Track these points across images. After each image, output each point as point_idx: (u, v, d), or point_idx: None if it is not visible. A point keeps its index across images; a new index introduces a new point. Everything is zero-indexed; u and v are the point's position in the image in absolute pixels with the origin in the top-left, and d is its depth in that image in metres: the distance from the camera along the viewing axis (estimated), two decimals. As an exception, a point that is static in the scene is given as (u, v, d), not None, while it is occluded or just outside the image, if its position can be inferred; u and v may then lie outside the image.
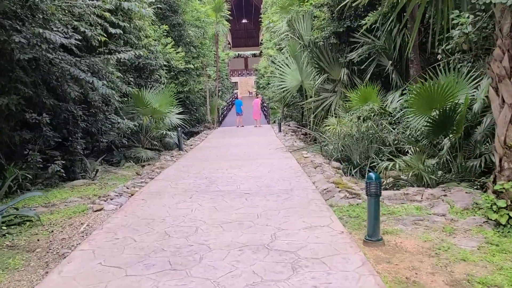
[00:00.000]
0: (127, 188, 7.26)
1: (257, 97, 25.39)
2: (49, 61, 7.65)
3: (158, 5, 17.21)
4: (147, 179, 8.17)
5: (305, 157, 10.35)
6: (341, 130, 12.39)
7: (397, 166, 8.63)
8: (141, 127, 13.50)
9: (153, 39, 15.26)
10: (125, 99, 12.72)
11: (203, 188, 7.27)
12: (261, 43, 55.27)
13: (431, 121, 7.72)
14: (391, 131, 11.12)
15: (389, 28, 13.00)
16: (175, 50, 18.05)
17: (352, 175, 10.48)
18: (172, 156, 11.80)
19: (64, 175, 8.41)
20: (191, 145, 14.67)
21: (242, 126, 24.97)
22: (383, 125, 11.32)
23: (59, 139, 8.34)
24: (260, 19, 40.89)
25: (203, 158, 11.43)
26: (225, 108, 34.58)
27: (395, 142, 10.82)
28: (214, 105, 25.73)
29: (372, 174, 4.47)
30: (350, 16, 14.90)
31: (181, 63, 17.92)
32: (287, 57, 18.82)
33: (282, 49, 21.13)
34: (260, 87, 43.47)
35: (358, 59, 13.91)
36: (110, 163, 11.89)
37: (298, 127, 23.73)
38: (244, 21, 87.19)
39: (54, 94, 8.61)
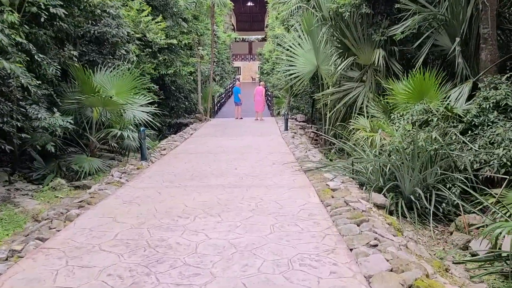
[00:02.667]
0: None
1: (260, 85, 21.20)
2: None
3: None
4: (29, 247, 4.09)
5: (332, 189, 6.26)
6: (381, 140, 8.27)
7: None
8: (90, 124, 9.40)
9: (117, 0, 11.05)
10: (46, 82, 8.53)
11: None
12: (266, 26, 50.87)
13: None
14: (466, 145, 7.03)
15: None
16: (153, 19, 13.82)
17: (404, 216, 6.47)
18: (124, 173, 7.70)
19: None
20: (164, 149, 10.56)
21: (241, 118, 20.90)
22: (454, 137, 7.20)
23: None
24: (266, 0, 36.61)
25: (168, 179, 7.32)
26: (223, 96, 30.35)
27: (474, 166, 6.74)
28: (207, 92, 21.53)
29: None
30: (390, -24, 10.65)
31: (160, 36, 13.70)
32: (299, 35, 14.58)
33: (293, 25, 16.88)
34: (264, 73, 39.17)
35: (401, 36, 9.70)
36: (30, 179, 7.83)
37: (308, 124, 19.64)
38: (249, 4, 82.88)
39: None
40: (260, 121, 19.74)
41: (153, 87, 14.82)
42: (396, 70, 10.76)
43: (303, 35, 14.09)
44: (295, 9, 17.41)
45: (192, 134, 14.46)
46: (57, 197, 6.82)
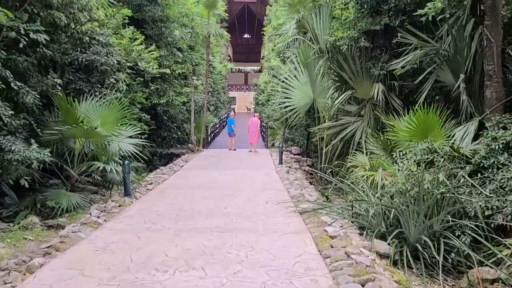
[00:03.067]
0: None
1: (255, 116, 20.81)
2: None
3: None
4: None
5: (331, 237, 5.66)
6: (382, 179, 7.74)
7: None
8: (72, 156, 8.80)
9: (107, 27, 10.68)
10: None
11: None
12: (262, 57, 51.18)
13: None
14: (475, 189, 6.51)
15: (458, 25, 8.46)
16: (146, 47, 13.47)
17: (410, 267, 5.85)
18: (103, 212, 7.06)
19: None
20: (151, 183, 9.93)
21: (234, 149, 20.40)
22: (462, 180, 6.68)
23: None
24: (262, 32, 36.86)
25: (151, 220, 6.68)
26: (217, 126, 29.94)
27: (485, 213, 6.20)
28: (200, 122, 21.08)
29: None
30: (389, 10, 10.43)
31: (152, 65, 13.30)
32: (295, 67, 14.28)
33: (289, 57, 16.63)
34: (259, 103, 38.99)
35: (401, 71, 9.36)
36: (1, 217, 7.16)
37: (303, 157, 19.16)
38: (246, 36, 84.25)
39: None
40: (254, 153, 19.23)
41: (144, 116, 14.37)
42: (396, 105, 10.38)
43: (300, 67, 13.79)
44: (292, 41, 17.24)
45: (182, 166, 13.86)
46: (26, 238, 6.16)
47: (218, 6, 19.07)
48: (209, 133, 24.69)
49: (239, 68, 74.20)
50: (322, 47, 12.44)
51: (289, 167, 13.61)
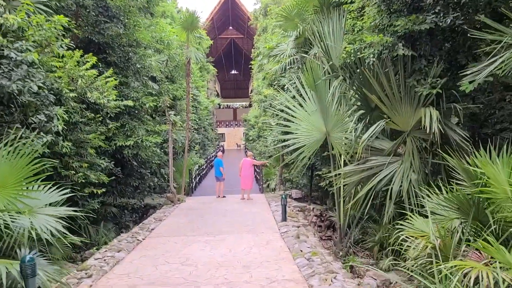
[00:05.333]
0: None
1: (248, 156, 17.37)
2: None
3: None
4: None
5: None
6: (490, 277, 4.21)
7: None
8: None
9: (29, 40, 7.26)
10: None
11: None
12: (251, 91, 48.52)
13: None
14: None
15: None
16: (99, 74, 10.08)
17: None
18: None
19: None
20: (90, 277, 6.23)
21: (224, 196, 16.83)
22: None
23: None
24: (250, 65, 34.23)
25: None
26: (203, 167, 26.32)
27: None
28: (181, 165, 17.52)
29: None
30: (434, 5, 7.27)
31: (107, 96, 9.83)
32: (298, 92, 10.93)
33: (289, 82, 13.40)
34: (249, 139, 35.66)
35: (471, 87, 6.08)
36: None
37: (307, 203, 15.65)
38: (233, 72, 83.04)
39: None
40: (247, 200, 15.70)
41: (102, 164, 10.81)
42: (458, 139, 7.02)
43: (306, 92, 10.44)
44: (289, 64, 14.10)
45: (152, 229, 10.19)
46: None
47: (198, 27, 15.98)
48: (193, 176, 21.07)
49: (227, 104, 71.97)
50: (336, 63, 9.18)
51: (297, 226, 10.03)
